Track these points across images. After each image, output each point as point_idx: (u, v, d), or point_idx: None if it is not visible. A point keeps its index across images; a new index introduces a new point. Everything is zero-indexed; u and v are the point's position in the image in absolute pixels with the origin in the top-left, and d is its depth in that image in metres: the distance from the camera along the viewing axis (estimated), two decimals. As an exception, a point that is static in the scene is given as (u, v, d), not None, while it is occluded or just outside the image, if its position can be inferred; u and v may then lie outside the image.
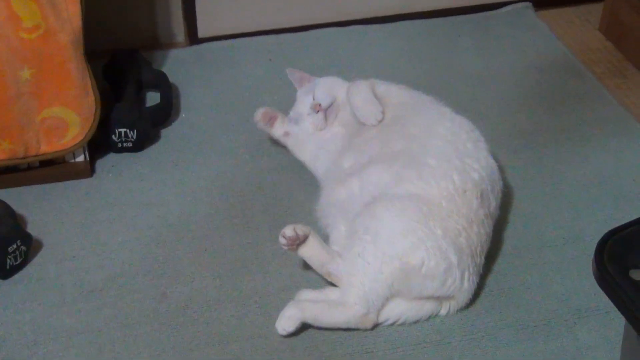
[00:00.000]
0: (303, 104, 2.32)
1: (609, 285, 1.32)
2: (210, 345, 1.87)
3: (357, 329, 1.88)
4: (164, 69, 2.70)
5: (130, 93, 2.48)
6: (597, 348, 1.87)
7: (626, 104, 2.65)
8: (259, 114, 2.35)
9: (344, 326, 1.87)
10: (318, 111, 2.25)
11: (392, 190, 1.95)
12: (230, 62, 2.82)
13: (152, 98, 2.59)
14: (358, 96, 2.20)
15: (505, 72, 2.79)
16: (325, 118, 2.25)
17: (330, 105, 2.26)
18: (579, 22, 3.10)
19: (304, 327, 1.89)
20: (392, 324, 1.89)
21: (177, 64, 2.79)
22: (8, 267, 2.00)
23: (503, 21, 3.06)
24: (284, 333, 1.86)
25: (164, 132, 2.49)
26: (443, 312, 1.92)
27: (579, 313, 1.94)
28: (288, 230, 1.92)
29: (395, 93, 2.26)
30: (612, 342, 1.86)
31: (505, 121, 2.56)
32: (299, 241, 1.92)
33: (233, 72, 2.77)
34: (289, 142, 2.35)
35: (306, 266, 2.00)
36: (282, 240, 1.92)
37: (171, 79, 2.63)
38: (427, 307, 1.90)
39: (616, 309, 1.31)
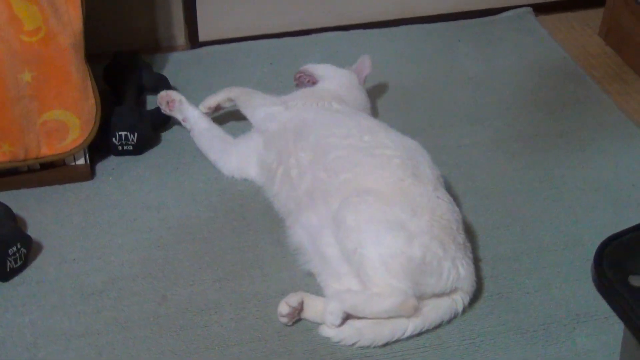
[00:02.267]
0: None
1: (608, 291, 1.32)
2: (210, 349, 1.87)
3: (401, 318, 1.87)
4: (165, 72, 2.71)
5: (131, 96, 2.49)
6: (595, 353, 1.87)
7: (626, 109, 2.66)
8: None
9: (384, 315, 1.87)
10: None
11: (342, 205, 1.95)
12: (231, 65, 2.82)
13: (153, 101, 2.59)
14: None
15: (505, 77, 2.79)
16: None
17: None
18: (579, 28, 3.11)
19: (304, 330, 1.90)
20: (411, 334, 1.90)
21: (177, 67, 2.79)
22: (8, 270, 2.00)
23: (504, 26, 3.06)
24: (333, 327, 1.87)
25: (164, 135, 2.50)
26: (459, 308, 1.92)
27: (578, 318, 1.95)
28: (283, 309, 1.90)
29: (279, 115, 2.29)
30: (610, 348, 1.86)
31: (505, 125, 2.57)
32: (297, 311, 1.92)
33: (234, 75, 2.77)
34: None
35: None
36: (283, 320, 1.91)
37: (172, 82, 2.63)
38: (445, 304, 1.91)
39: (615, 315, 1.32)
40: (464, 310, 1.94)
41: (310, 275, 2.01)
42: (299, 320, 1.93)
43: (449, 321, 1.93)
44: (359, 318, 1.88)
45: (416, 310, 1.87)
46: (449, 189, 2.10)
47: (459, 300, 1.92)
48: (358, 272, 1.88)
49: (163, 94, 2.44)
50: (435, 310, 1.90)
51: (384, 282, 1.85)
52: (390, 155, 2.01)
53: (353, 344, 1.86)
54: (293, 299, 1.90)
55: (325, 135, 2.11)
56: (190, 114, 2.41)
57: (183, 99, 2.42)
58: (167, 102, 2.42)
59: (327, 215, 1.96)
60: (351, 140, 2.07)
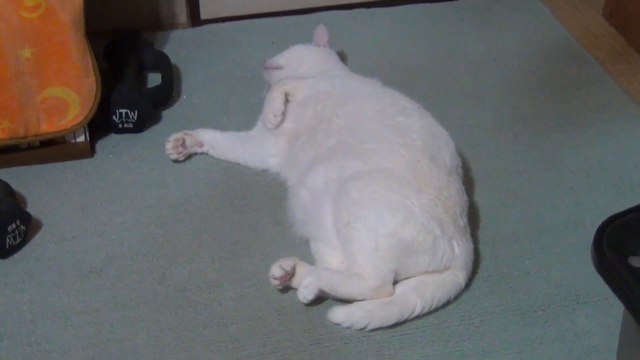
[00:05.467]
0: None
1: (608, 272, 1.32)
2: (209, 327, 1.87)
3: (408, 296, 1.88)
4: (166, 50, 2.70)
5: (131, 74, 2.48)
6: (595, 334, 1.87)
7: (629, 90, 2.65)
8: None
9: (359, 297, 1.87)
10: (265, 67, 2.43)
11: (346, 173, 1.96)
12: (232, 44, 2.81)
13: (153, 79, 2.59)
14: (267, 100, 2.25)
15: (507, 57, 2.78)
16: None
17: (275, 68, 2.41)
18: (582, 7, 3.09)
19: (303, 309, 1.90)
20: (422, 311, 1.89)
21: (178, 45, 2.78)
22: (7, 247, 2.00)
23: (506, 6, 3.05)
24: (305, 301, 1.87)
25: (165, 113, 2.49)
26: (462, 282, 1.93)
27: (578, 299, 1.94)
28: (277, 271, 1.91)
29: (303, 86, 2.25)
30: (610, 328, 1.85)
31: (507, 106, 2.56)
32: (289, 276, 1.92)
33: (235, 54, 2.76)
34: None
35: (305, 250, 2.01)
36: (275, 282, 1.92)
37: (173, 60, 2.62)
38: (449, 280, 1.92)
39: (615, 296, 1.31)
40: (464, 288, 1.94)
41: (305, 242, 2.02)
42: (289, 288, 1.94)
43: (456, 299, 1.93)
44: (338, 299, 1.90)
45: (389, 296, 1.88)
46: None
47: (460, 277, 1.92)
48: (344, 246, 1.90)
49: (169, 145, 2.28)
50: (441, 289, 1.90)
51: (367, 262, 1.86)
52: (414, 138, 2.02)
53: (364, 328, 1.86)
54: (287, 263, 1.91)
55: (363, 106, 2.13)
56: (202, 135, 2.32)
57: (186, 132, 2.32)
58: (181, 144, 2.29)
59: (335, 179, 1.97)
60: (384, 117, 2.09)
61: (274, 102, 2.21)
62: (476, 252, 2.02)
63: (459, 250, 1.92)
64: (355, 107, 2.14)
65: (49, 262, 2.02)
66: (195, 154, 2.33)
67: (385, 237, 1.86)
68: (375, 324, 1.86)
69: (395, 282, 1.90)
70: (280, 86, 2.24)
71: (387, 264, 1.86)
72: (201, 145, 2.32)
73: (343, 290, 1.87)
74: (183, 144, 2.29)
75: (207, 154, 2.33)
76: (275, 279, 1.91)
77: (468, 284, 1.96)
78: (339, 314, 1.86)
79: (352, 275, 1.88)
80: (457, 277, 1.92)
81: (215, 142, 2.32)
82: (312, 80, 2.27)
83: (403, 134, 2.03)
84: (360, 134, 2.05)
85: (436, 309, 1.90)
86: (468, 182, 2.17)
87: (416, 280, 1.91)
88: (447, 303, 1.92)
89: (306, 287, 1.86)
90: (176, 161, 2.30)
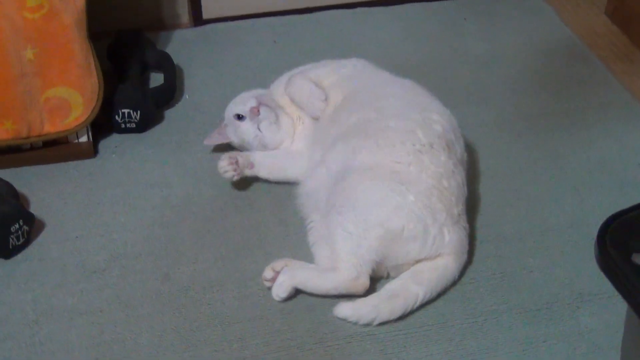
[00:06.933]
0: (244, 133, 2.26)
1: (611, 270, 1.32)
2: (212, 327, 1.87)
3: (350, 295, 1.89)
4: (168, 50, 2.70)
5: (134, 74, 2.48)
6: (599, 332, 1.87)
7: (632, 89, 2.64)
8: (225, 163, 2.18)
9: (334, 292, 1.89)
10: (257, 113, 2.22)
11: (352, 163, 1.96)
12: (234, 43, 2.81)
13: (156, 79, 2.59)
14: (299, 92, 2.21)
15: (510, 56, 2.78)
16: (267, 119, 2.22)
17: (258, 104, 2.21)
18: (585, 6, 3.09)
19: (306, 308, 1.90)
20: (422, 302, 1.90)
21: (181, 45, 2.78)
22: (10, 247, 2.00)
23: (509, 4, 3.04)
24: (278, 299, 1.91)
25: (168, 113, 2.49)
26: (454, 265, 1.93)
27: (582, 297, 1.94)
28: (268, 273, 1.93)
29: (326, 74, 2.24)
30: (614, 326, 1.85)
31: (509, 105, 2.55)
32: None
33: (237, 53, 2.76)
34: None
35: (308, 249, 2.01)
36: (268, 284, 1.93)
37: (175, 60, 2.62)
38: (441, 263, 1.92)
39: (618, 294, 1.31)
40: (461, 275, 1.96)
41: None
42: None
43: (453, 283, 1.95)
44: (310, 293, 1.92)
45: (366, 290, 1.89)
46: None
47: (450, 260, 1.93)
48: (329, 230, 1.91)
49: (224, 162, 2.16)
50: (435, 272, 1.91)
51: (345, 250, 1.88)
52: (436, 121, 2.03)
53: (371, 322, 1.86)
54: (278, 264, 1.93)
55: (390, 85, 2.17)
56: (252, 157, 2.21)
57: (236, 152, 2.22)
58: (235, 162, 2.16)
59: (347, 160, 1.98)
60: (410, 96, 2.12)
61: (306, 89, 2.19)
62: (480, 251, 2.04)
63: (449, 237, 1.92)
64: (378, 84, 2.16)
65: (52, 262, 2.02)
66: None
67: (373, 226, 1.87)
68: (383, 317, 1.86)
69: (388, 273, 1.94)
70: (302, 75, 2.23)
71: (368, 253, 1.88)
72: (252, 166, 2.20)
73: (317, 286, 1.90)
74: (237, 162, 2.17)
75: (257, 175, 2.22)
76: (267, 280, 1.93)
77: (470, 282, 1.97)
78: (345, 309, 1.86)
79: (326, 270, 1.90)
80: (448, 261, 1.93)
81: (264, 159, 2.21)
82: (333, 65, 2.27)
83: (424, 114, 2.04)
84: (383, 109, 2.05)
85: (438, 295, 1.91)
86: (471, 181, 2.17)
87: (410, 272, 1.92)
88: (446, 290, 1.93)
89: (280, 285, 1.90)
90: (230, 180, 2.18)
